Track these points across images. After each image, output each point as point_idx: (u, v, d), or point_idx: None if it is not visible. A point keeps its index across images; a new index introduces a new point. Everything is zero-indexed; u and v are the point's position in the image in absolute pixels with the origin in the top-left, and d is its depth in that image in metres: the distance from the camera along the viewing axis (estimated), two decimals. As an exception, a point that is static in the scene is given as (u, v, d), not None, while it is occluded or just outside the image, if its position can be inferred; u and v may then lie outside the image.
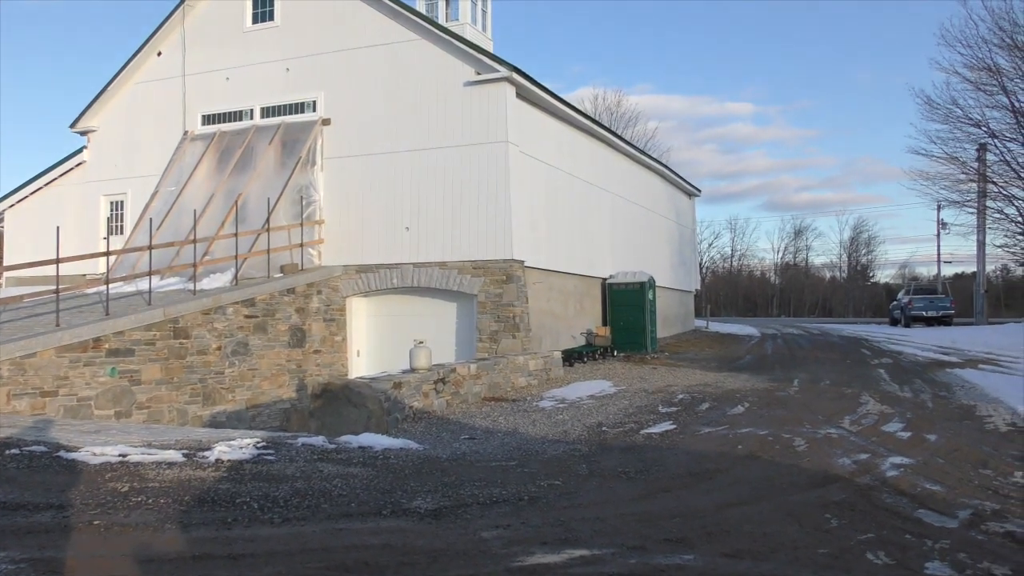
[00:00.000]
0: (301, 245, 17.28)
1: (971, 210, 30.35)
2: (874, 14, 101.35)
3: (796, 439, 8.62)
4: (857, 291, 75.61)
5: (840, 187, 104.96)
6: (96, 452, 7.15)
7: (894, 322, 36.31)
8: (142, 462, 6.92)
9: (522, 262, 16.42)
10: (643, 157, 25.60)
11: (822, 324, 43.89)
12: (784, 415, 10.37)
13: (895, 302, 37.62)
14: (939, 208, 42.80)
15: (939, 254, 49.24)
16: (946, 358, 18.02)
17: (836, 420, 9.88)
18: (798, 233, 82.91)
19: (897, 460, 7.45)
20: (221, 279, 15.73)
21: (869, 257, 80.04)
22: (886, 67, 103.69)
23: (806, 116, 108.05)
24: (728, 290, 77.16)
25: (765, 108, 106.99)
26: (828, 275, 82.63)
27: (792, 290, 79.13)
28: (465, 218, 16.48)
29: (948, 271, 49.14)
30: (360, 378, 13.02)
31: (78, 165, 21.16)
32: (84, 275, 18.27)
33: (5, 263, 21.17)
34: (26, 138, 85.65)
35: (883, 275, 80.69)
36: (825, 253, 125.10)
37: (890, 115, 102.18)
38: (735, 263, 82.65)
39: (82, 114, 20.79)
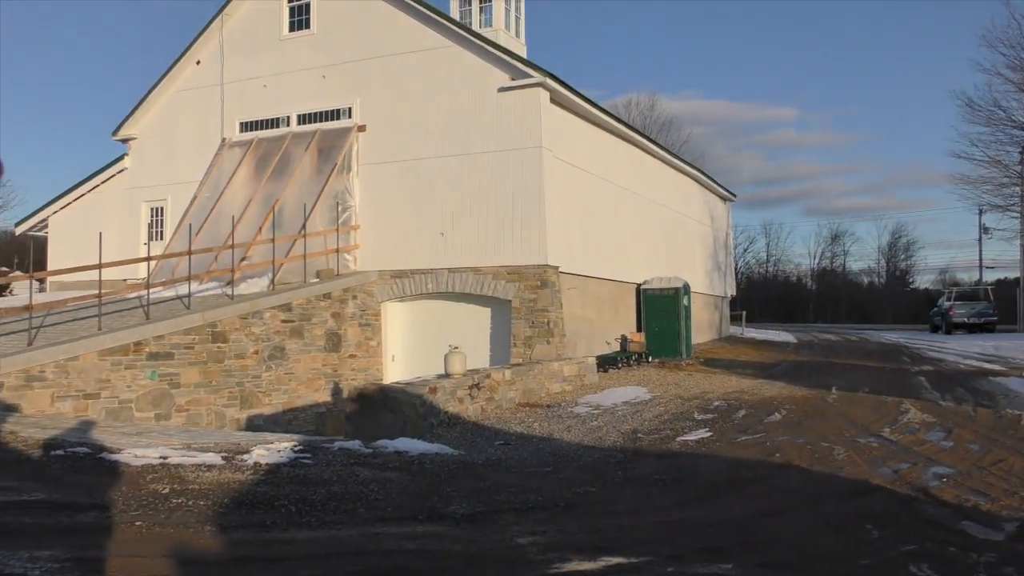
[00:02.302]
0: (337, 250, 17.44)
1: (1014, 214, 29.78)
2: (919, 15, 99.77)
3: (835, 448, 8.49)
4: (896, 297, 74.18)
5: (882, 192, 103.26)
6: (137, 454, 7.28)
7: (934, 329, 35.61)
8: (182, 464, 7.03)
9: (556, 267, 16.41)
10: (677, 161, 25.42)
11: (860, 330, 43.22)
12: (822, 423, 10.22)
13: (935, 308, 36.87)
14: (981, 212, 42.01)
15: (981, 259, 48.25)
16: (989, 366, 17.63)
17: (875, 429, 9.71)
18: (835, 238, 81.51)
19: (940, 470, 7.30)
20: (258, 284, 15.94)
21: (908, 262, 78.58)
22: (931, 69, 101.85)
23: (852, 121, 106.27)
24: (763, 296, 76.22)
25: (810, 113, 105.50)
26: (866, 281, 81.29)
27: (829, 296, 77.85)
28: (499, 223, 16.50)
29: (990, 276, 48.20)
30: (396, 383, 13.10)
31: (120, 172, 21.63)
32: (125, 280, 18.61)
33: (49, 268, 21.66)
34: (69, 147, 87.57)
35: (923, 281, 78.98)
36: (863, 258, 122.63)
37: (933, 118, 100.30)
38: (770, 268, 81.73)
39: (123, 122, 21.19)
